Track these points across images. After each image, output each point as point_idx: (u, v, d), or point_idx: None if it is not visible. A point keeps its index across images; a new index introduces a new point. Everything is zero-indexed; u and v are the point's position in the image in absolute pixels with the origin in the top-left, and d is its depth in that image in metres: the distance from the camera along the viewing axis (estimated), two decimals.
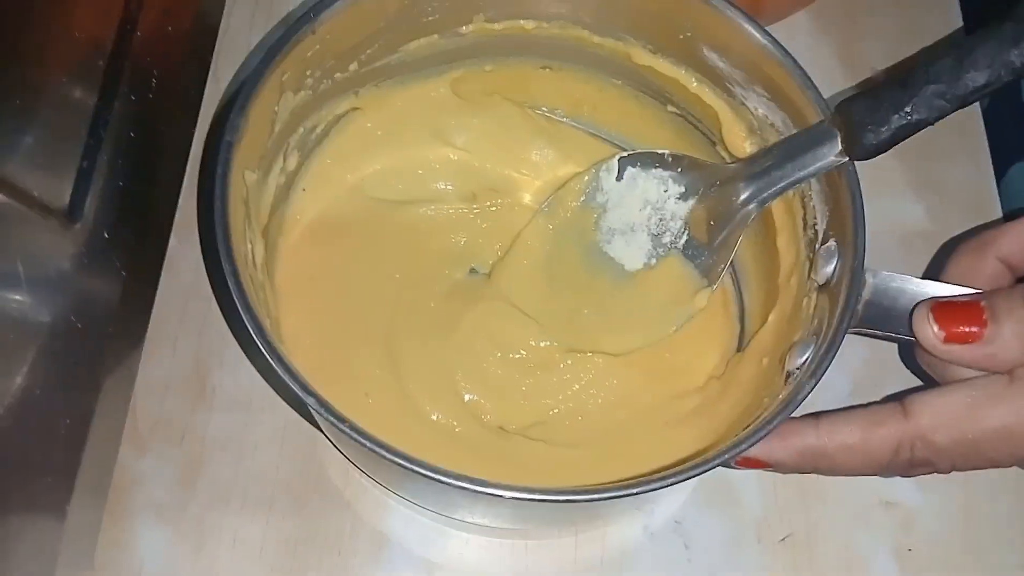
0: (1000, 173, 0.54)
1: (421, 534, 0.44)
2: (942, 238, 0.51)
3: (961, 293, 0.36)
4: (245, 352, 0.46)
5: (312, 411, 0.33)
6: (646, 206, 0.45)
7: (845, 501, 0.45)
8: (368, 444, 0.31)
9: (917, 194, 0.53)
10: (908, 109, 0.36)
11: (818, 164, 0.39)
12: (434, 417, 0.42)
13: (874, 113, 0.37)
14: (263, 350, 0.32)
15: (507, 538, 0.44)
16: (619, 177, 0.45)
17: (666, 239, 0.44)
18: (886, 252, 0.50)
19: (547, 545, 0.44)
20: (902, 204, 0.52)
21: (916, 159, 0.53)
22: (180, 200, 0.48)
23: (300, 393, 0.32)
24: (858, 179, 0.38)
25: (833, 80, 0.56)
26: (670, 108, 0.47)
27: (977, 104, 0.54)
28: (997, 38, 0.35)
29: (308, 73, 0.41)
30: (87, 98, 0.35)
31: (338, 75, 0.43)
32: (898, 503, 0.45)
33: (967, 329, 0.35)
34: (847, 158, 0.38)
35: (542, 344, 0.44)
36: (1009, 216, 0.53)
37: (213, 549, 0.43)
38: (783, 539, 0.44)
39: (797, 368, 0.37)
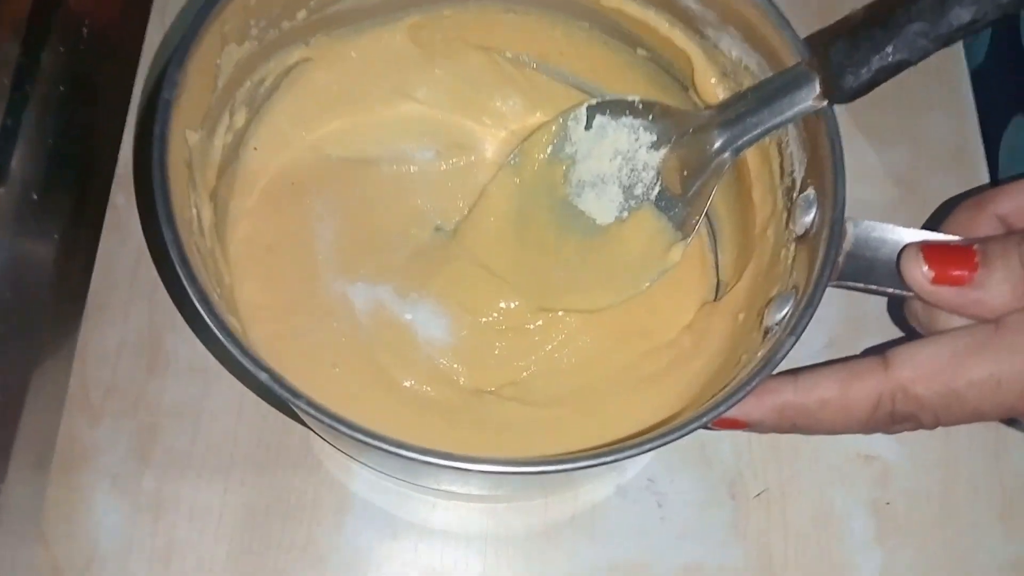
0: (1002, 126, 0.53)
1: (385, 499, 0.42)
2: (922, 187, 0.50)
3: (951, 239, 0.35)
4: (190, 325, 0.43)
5: (267, 387, 0.31)
6: (616, 156, 0.43)
7: (820, 456, 0.44)
8: (326, 420, 0.30)
9: (895, 141, 0.51)
10: (889, 49, 0.35)
11: (795, 109, 0.37)
12: (406, 384, 0.41)
13: (853, 54, 0.35)
14: (211, 324, 0.30)
15: (475, 502, 0.43)
16: (588, 126, 0.43)
17: (638, 191, 0.42)
18: (864, 203, 0.49)
19: (516, 507, 0.43)
20: (879, 152, 0.51)
21: (894, 105, 0.51)
22: (121, 155, 0.45)
23: (252, 369, 0.30)
24: (837, 124, 0.36)
25: (810, 20, 0.53)
26: (640, 52, 0.45)
27: (960, 44, 0.52)
28: None
29: (252, 23, 0.39)
30: (10, 50, 0.32)
31: (285, 24, 0.41)
32: (875, 457, 0.44)
33: (957, 272, 0.33)
34: (826, 102, 0.36)
35: (512, 305, 0.43)
36: (1007, 169, 0.52)
37: (171, 519, 0.41)
38: (757, 495, 0.43)
39: (776, 324, 0.35)
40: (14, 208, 0.32)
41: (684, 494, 0.43)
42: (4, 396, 0.33)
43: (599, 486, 0.43)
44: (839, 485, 0.44)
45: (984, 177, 0.50)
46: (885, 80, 0.35)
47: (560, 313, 0.43)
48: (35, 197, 0.33)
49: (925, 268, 0.33)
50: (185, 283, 0.31)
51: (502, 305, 0.43)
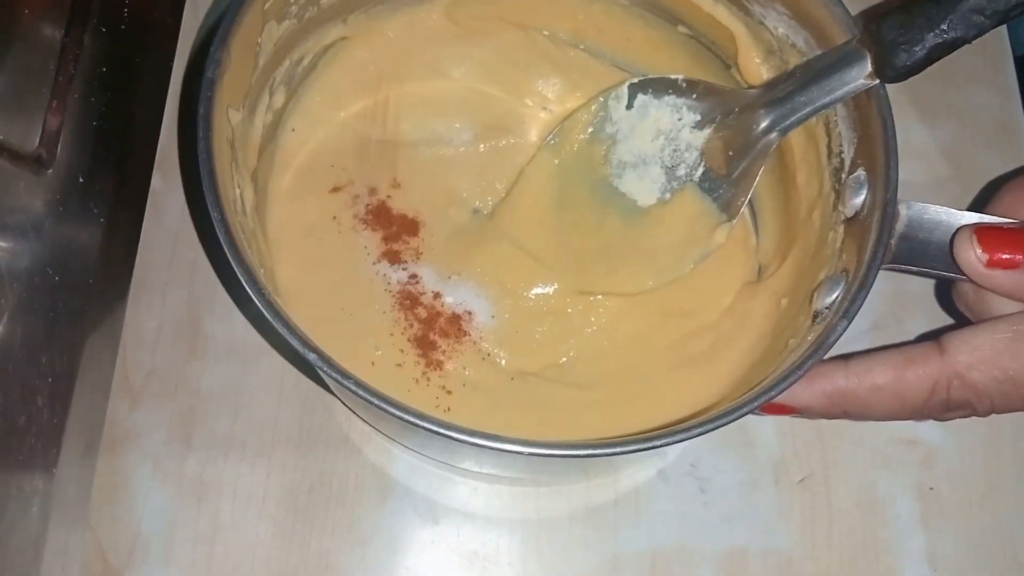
0: None
1: (427, 482, 0.42)
2: (968, 165, 0.49)
3: (1005, 222, 0.34)
4: (236, 304, 0.43)
5: (316, 368, 0.30)
6: (659, 136, 0.42)
7: (864, 440, 0.44)
8: (375, 401, 0.30)
9: (941, 118, 0.50)
10: (944, 26, 0.34)
11: (846, 88, 0.36)
12: (449, 366, 0.41)
13: (907, 31, 0.34)
14: (260, 306, 0.30)
15: (516, 485, 0.43)
16: (629, 106, 0.43)
17: (681, 172, 0.42)
18: (910, 182, 0.48)
19: (558, 491, 0.43)
20: (927, 128, 0.50)
21: (938, 82, 0.50)
22: (161, 138, 0.45)
23: (301, 350, 0.30)
24: (889, 103, 0.35)
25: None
26: (681, 29, 0.44)
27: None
28: None
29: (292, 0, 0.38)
30: (53, 33, 0.32)
31: (324, 1, 0.40)
32: (919, 441, 0.44)
33: (1011, 256, 0.33)
34: (878, 80, 0.35)
35: (551, 288, 0.42)
36: None
37: (214, 502, 0.41)
38: (801, 480, 0.43)
39: (826, 308, 0.35)
40: (61, 192, 0.32)
41: (727, 478, 0.43)
42: (55, 381, 0.33)
43: (641, 470, 0.43)
44: (883, 469, 0.43)
45: None
46: (939, 58, 0.34)
47: (600, 297, 0.42)
48: (81, 180, 0.32)
49: (979, 251, 0.33)
50: (233, 264, 0.31)
51: (541, 288, 0.43)
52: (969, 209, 0.35)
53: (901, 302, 0.46)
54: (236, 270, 0.31)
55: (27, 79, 0.31)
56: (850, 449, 0.44)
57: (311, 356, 0.30)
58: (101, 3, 0.35)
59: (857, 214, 0.36)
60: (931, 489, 0.43)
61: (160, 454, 0.42)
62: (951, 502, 0.43)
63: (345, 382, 0.30)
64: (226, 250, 0.31)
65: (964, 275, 0.34)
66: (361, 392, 0.30)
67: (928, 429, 0.44)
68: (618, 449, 0.30)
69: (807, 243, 0.39)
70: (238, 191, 0.36)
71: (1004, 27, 0.52)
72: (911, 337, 0.45)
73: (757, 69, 0.42)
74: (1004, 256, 0.32)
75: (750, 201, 0.44)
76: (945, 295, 0.44)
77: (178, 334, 0.43)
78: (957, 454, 0.44)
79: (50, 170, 0.31)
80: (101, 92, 0.35)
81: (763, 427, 0.43)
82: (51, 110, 0.31)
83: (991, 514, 0.43)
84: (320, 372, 0.30)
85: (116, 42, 0.36)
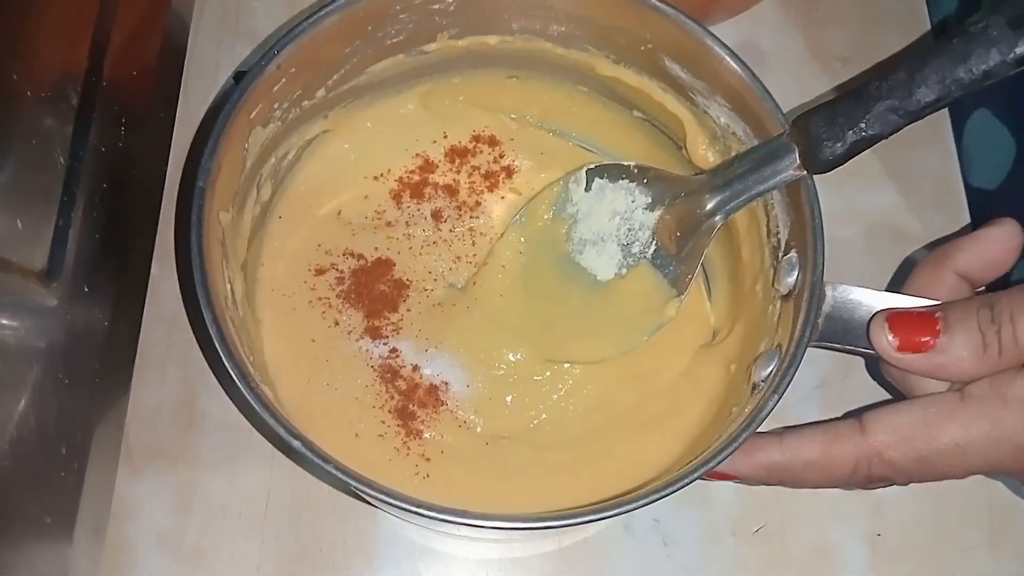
0: (963, 120, 0.55)
1: (410, 545, 0.45)
2: (910, 226, 0.52)
3: (918, 305, 0.37)
4: (225, 390, 0.47)
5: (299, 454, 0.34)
6: (615, 216, 0.46)
7: (816, 491, 0.46)
8: (354, 484, 0.33)
9: (884, 182, 0.54)
10: (863, 124, 0.37)
11: (777, 177, 0.40)
12: (427, 435, 0.44)
13: (830, 128, 0.38)
14: (251, 401, 0.34)
15: (493, 543, 0.46)
16: (588, 188, 0.46)
17: (635, 249, 0.45)
18: (854, 242, 0.51)
19: (532, 546, 0.46)
20: (869, 193, 0.53)
21: (883, 147, 0.54)
22: (160, 228, 0.49)
23: (285, 436, 0.33)
24: (816, 192, 0.39)
25: (799, 71, 0.56)
26: (636, 113, 0.48)
27: None
28: (947, 55, 0.35)
29: (276, 106, 0.42)
30: (58, 154, 0.36)
31: (306, 103, 0.44)
32: (868, 491, 0.47)
33: (921, 339, 0.36)
34: (805, 172, 0.39)
35: (520, 357, 0.46)
36: (967, 159, 0.54)
37: (210, 569, 0.44)
38: (756, 531, 0.46)
39: (762, 380, 0.38)
40: (68, 300, 0.35)
41: (688, 531, 0.46)
42: (70, 460, 0.37)
43: (608, 526, 0.46)
44: (834, 519, 0.47)
45: (965, 218, 0.53)
46: (860, 152, 0.38)
47: (566, 365, 0.46)
48: (86, 289, 0.36)
49: (891, 336, 0.36)
50: (224, 359, 0.34)
51: (511, 357, 0.46)
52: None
53: (847, 360, 0.49)
54: (226, 364, 0.34)
55: (34, 201, 0.34)
56: (803, 500, 0.47)
57: (295, 443, 0.34)
58: (99, 126, 0.39)
59: (790, 292, 0.39)
60: (879, 535, 0.46)
61: (162, 524, 0.45)
62: (900, 548, 0.46)
63: (326, 466, 0.33)
64: (217, 346, 0.35)
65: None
66: (339, 475, 0.33)
67: None
68: (572, 520, 0.34)
69: (752, 313, 0.43)
70: (229, 285, 0.39)
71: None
72: (856, 392, 0.49)
73: (704, 151, 0.45)
74: (915, 340, 0.36)
75: (704, 269, 0.48)
76: (876, 370, 0.48)
77: (176, 410, 0.47)
78: (904, 502, 0.47)
79: (55, 283, 0.35)
80: (101, 206, 0.38)
81: (721, 484, 0.47)
82: (57, 228, 0.35)
83: (937, 558, 0.46)
84: (305, 457, 0.33)
85: (115, 154, 0.40)
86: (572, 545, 0.46)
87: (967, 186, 0.54)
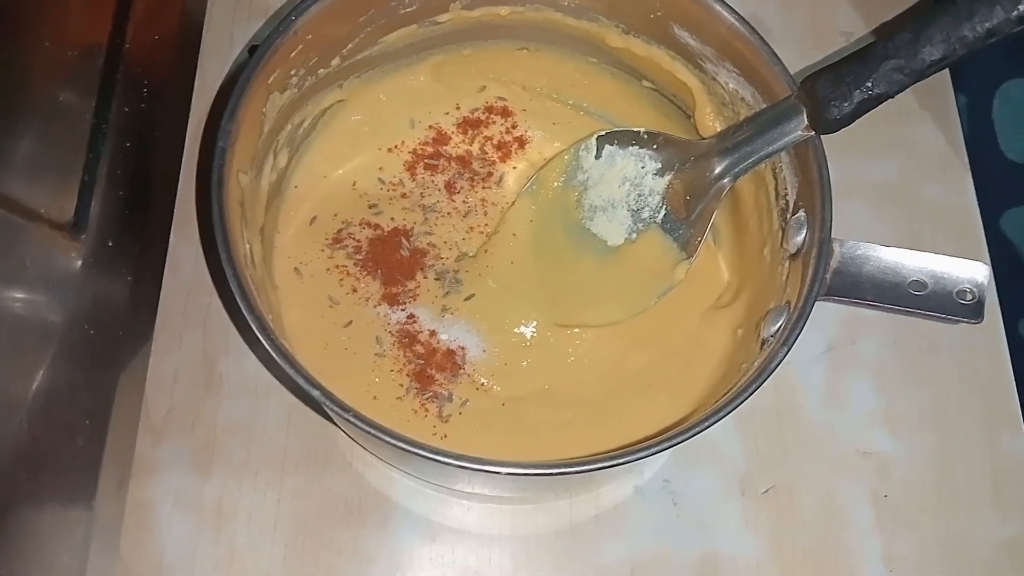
0: (991, 92, 0.55)
1: (425, 503, 0.46)
2: (912, 193, 0.53)
3: (928, 260, 0.38)
4: (248, 345, 0.48)
5: (319, 402, 0.35)
6: (625, 182, 0.47)
7: (824, 452, 0.48)
8: (372, 431, 0.34)
9: (888, 152, 0.55)
10: (869, 84, 0.38)
11: (786, 139, 0.40)
12: (445, 397, 0.45)
13: (837, 88, 0.38)
14: (270, 351, 0.34)
15: (506, 504, 0.47)
16: (598, 155, 0.47)
17: (645, 214, 0.46)
18: (857, 210, 0.52)
19: (544, 508, 0.47)
20: (873, 162, 0.54)
21: (887, 118, 0.55)
22: (178, 198, 0.50)
23: (305, 387, 0.34)
24: (824, 152, 0.40)
25: (803, 46, 0.57)
26: (645, 83, 0.49)
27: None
28: (952, 13, 0.36)
29: (293, 72, 0.43)
30: (84, 112, 0.36)
31: (322, 71, 0.45)
32: (874, 452, 0.48)
33: None
34: (812, 132, 0.40)
35: (533, 323, 0.46)
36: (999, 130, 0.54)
37: (230, 528, 0.45)
38: (766, 491, 0.47)
39: (771, 335, 0.39)
40: (93, 254, 0.36)
41: (698, 492, 0.47)
42: (92, 421, 0.38)
43: (619, 487, 0.47)
44: (842, 479, 0.47)
45: (970, 189, 0.54)
46: (866, 112, 0.38)
47: (576, 329, 0.46)
48: (110, 244, 0.37)
49: None
50: (245, 313, 0.35)
51: (524, 323, 0.47)
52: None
53: (853, 325, 0.50)
54: (247, 318, 0.35)
55: (61, 156, 0.35)
56: (811, 460, 0.48)
57: (315, 393, 0.34)
58: (124, 82, 0.40)
59: (799, 251, 0.40)
60: (885, 496, 0.47)
61: (181, 485, 0.45)
62: (905, 508, 0.47)
63: (345, 415, 0.34)
64: (238, 300, 0.36)
65: (894, 306, 0.38)
66: (359, 423, 0.34)
67: (883, 442, 0.48)
68: (585, 467, 0.34)
69: (760, 276, 0.44)
70: (248, 246, 0.40)
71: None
72: (864, 358, 0.49)
73: (712, 118, 0.46)
74: None
75: (714, 236, 0.49)
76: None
77: (194, 375, 0.47)
78: (910, 463, 0.48)
79: (83, 236, 0.36)
80: (125, 164, 0.39)
81: (730, 442, 0.48)
82: (83, 184, 0.35)
83: (942, 517, 0.47)
84: (324, 407, 0.34)
85: (138, 116, 0.41)
86: (584, 510, 0.46)
87: (1000, 156, 0.54)
